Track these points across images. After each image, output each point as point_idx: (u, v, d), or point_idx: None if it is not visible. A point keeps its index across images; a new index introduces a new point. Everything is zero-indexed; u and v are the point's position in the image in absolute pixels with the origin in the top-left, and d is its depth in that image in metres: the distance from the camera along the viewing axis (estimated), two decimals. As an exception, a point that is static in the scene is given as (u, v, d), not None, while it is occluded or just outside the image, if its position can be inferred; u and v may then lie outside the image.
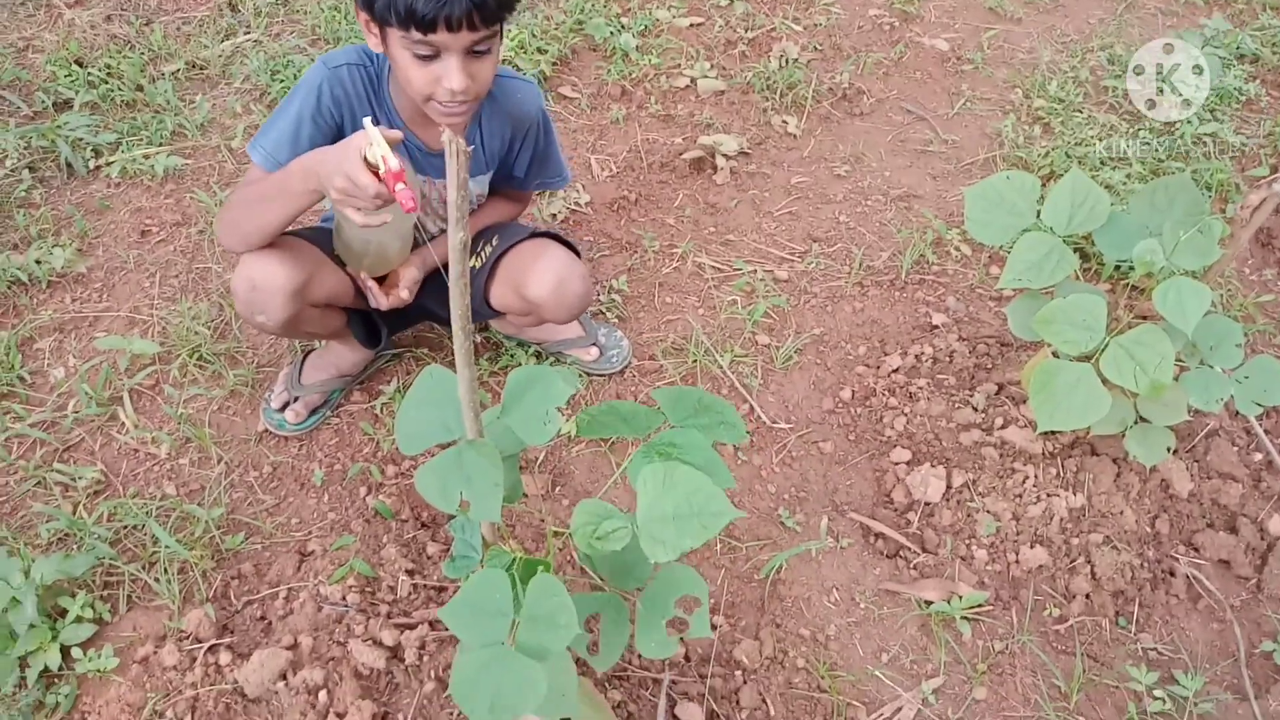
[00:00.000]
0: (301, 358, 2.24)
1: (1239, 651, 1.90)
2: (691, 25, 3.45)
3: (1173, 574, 1.99)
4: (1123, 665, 1.86)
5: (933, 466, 2.10)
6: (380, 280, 1.99)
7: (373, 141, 1.48)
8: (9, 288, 2.39)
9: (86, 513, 1.96)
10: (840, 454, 2.20)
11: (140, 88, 3.00)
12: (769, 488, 2.13)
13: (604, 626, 1.44)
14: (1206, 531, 2.04)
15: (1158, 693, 1.81)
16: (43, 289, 2.41)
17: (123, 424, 2.14)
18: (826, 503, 2.11)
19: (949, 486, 2.08)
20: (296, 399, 2.16)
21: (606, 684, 1.75)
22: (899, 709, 1.80)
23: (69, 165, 2.72)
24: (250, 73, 3.07)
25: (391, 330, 2.22)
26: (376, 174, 1.50)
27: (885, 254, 2.69)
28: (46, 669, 1.70)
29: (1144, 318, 1.95)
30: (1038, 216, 1.91)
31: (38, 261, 2.43)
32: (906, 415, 2.21)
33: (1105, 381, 1.77)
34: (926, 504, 2.07)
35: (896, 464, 2.15)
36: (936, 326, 2.45)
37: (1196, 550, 2.03)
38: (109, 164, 2.74)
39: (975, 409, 2.18)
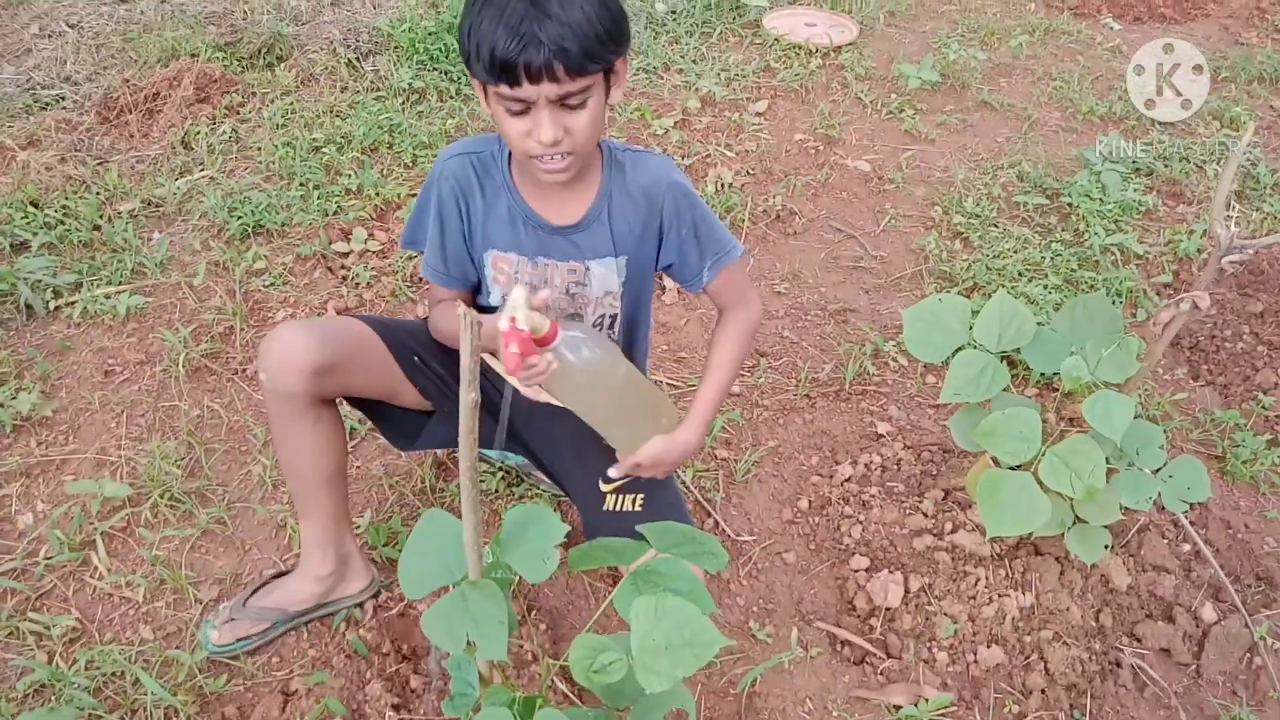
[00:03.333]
0: (261, 582, 2.08)
1: (1186, 737, 2.02)
2: (632, 153, 3.65)
3: (1119, 665, 2.12)
4: (1082, 757, 1.97)
5: (890, 573, 2.21)
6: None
7: (514, 307, 1.48)
8: (-27, 434, 2.40)
9: (64, 662, 1.95)
10: (803, 564, 2.31)
11: (98, 227, 3.06)
12: (738, 600, 2.22)
13: (596, 747, 1.50)
14: (1146, 622, 2.18)
15: (1117, 782, 1.91)
16: (7, 434, 2.42)
17: (96, 569, 2.15)
18: (794, 612, 2.20)
19: (907, 591, 2.19)
20: (233, 620, 2.01)
21: (597, 808, 1.79)
22: (877, 814, 1.87)
23: (29, 307, 2.75)
24: (208, 209, 3.15)
25: (423, 444, 2.06)
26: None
27: (828, 366, 2.85)
28: (31, 831, 1.68)
29: (1073, 420, 2.12)
30: (970, 334, 2.08)
31: (1, 405, 2.44)
32: (862, 523, 2.33)
33: (1043, 487, 1.92)
34: (887, 609, 2.18)
35: (856, 571, 2.26)
36: (882, 435, 2.60)
37: (1139, 640, 2.17)
38: (69, 305, 2.78)
39: (925, 515, 2.31)
